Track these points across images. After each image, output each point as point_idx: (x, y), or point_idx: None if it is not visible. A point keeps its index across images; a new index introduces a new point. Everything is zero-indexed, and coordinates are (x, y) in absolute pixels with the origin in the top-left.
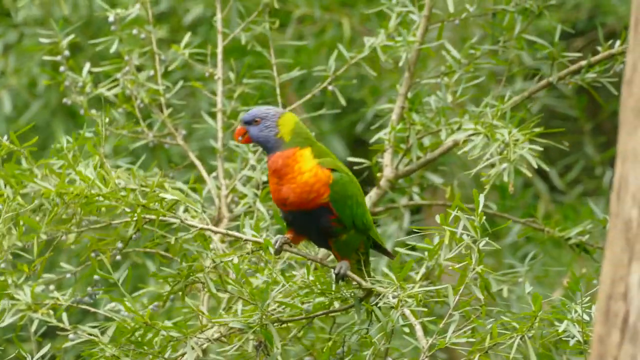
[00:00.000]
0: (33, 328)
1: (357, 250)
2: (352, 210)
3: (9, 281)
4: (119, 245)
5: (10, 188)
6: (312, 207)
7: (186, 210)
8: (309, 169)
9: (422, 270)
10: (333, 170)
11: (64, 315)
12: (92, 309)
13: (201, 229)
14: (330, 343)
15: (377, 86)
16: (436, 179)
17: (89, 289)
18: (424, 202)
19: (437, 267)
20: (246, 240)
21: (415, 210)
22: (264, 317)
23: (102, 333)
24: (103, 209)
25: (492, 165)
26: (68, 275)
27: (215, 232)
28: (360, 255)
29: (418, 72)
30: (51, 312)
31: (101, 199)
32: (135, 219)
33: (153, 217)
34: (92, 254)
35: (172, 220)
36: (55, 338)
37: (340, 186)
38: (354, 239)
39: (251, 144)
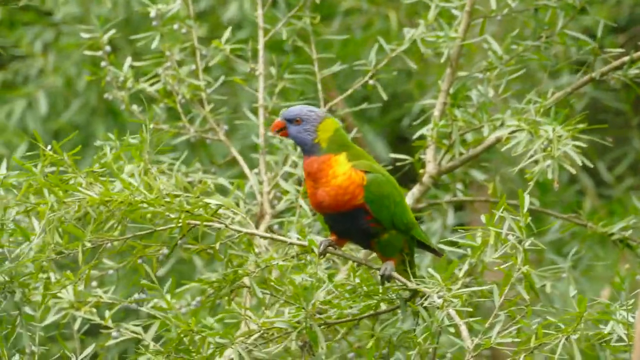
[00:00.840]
0: (76, 326)
1: (401, 250)
2: (389, 210)
3: (52, 279)
4: (165, 251)
5: (54, 197)
6: (347, 209)
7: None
8: (343, 172)
9: (465, 267)
10: (367, 172)
11: (107, 313)
12: (137, 307)
13: (246, 233)
14: (373, 340)
15: (422, 80)
16: (479, 176)
17: (136, 295)
18: (467, 199)
19: (480, 264)
20: (291, 243)
21: (459, 207)
22: (308, 317)
23: (145, 331)
24: (148, 215)
25: (536, 162)
26: (110, 272)
27: (261, 237)
28: (404, 255)
29: (461, 68)
30: (94, 309)
31: (145, 205)
32: (180, 224)
33: (197, 222)
34: (139, 261)
35: (217, 225)
36: (98, 336)
37: (375, 186)
38: (396, 239)
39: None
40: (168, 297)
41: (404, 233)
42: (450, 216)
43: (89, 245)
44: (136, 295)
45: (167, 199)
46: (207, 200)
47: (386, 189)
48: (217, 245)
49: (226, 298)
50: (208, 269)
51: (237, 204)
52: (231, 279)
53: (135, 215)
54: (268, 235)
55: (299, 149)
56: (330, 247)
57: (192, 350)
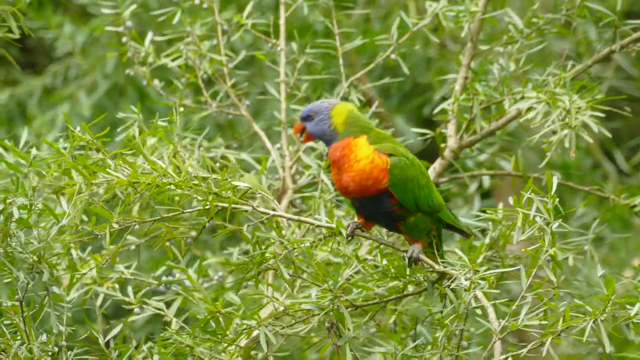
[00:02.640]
0: (98, 302)
1: (428, 232)
2: (413, 194)
3: (74, 255)
4: (192, 234)
5: (82, 179)
6: (372, 193)
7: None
8: (365, 156)
9: (486, 239)
10: (391, 155)
11: (130, 290)
12: (157, 282)
13: (273, 215)
14: (395, 315)
15: (443, 68)
16: (506, 165)
17: (163, 277)
18: (489, 173)
19: (502, 239)
20: (319, 226)
21: (485, 194)
22: (335, 298)
23: (168, 307)
24: (176, 198)
25: (554, 132)
26: (132, 247)
27: (288, 219)
28: (432, 237)
29: (481, 42)
30: (116, 285)
31: (173, 187)
32: (207, 207)
33: (225, 205)
34: (167, 243)
35: (244, 208)
36: (122, 313)
37: (398, 170)
38: (422, 221)
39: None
40: (194, 276)
41: (430, 215)
42: (477, 204)
43: (116, 227)
44: (164, 278)
45: (195, 182)
46: (235, 182)
47: (410, 172)
48: (245, 228)
49: (253, 280)
50: (229, 244)
51: (260, 181)
52: (258, 261)
53: (163, 197)
54: (296, 217)
55: None
56: (357, 230)
57: (219, 331)
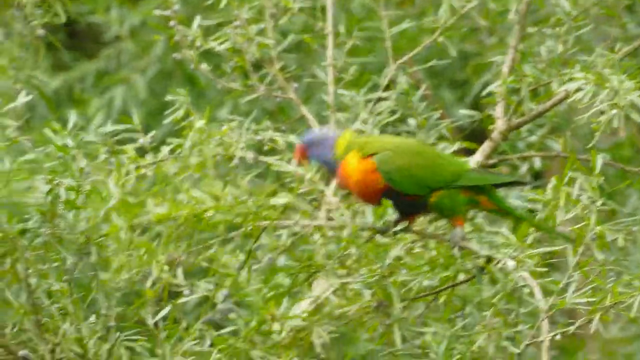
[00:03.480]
0: (148, 284)
1: (466, 204)
2: (414, 178)
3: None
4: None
5: (123, 220)
6: (378, 195)
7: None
8: (353, 168)
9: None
10: (374, 154)
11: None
12: (207, 265)
13: (316, 226)
14: (446, 294)
15: (480, 63)
16: (555, 146)
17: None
18: (538, 154)
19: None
20: (362, 229)
21: (536, 175)
22: (383, 278)
23: (217, 289)
24: (216, 223)
25: (602, 112)
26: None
27: (329, 228)
28: (475, 206)
29: (528, 25)
30: (166, 267)
31: (210, 213)
32: (250, 228)
33: (267, 222)
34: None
35: (287, 223)
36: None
37: (384, 164)
38: (448, 197)
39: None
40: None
41: (450, 188)
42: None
43: (162, 262)
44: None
45: (233, 204)
46: (273, 201)
47: (398, 161)
48: (288, 242)
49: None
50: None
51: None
52: (306, 265)
53: (203, 225)
54: (336, 224)
55: (369, 105)
56: (398, 227)
57: (272, 332)
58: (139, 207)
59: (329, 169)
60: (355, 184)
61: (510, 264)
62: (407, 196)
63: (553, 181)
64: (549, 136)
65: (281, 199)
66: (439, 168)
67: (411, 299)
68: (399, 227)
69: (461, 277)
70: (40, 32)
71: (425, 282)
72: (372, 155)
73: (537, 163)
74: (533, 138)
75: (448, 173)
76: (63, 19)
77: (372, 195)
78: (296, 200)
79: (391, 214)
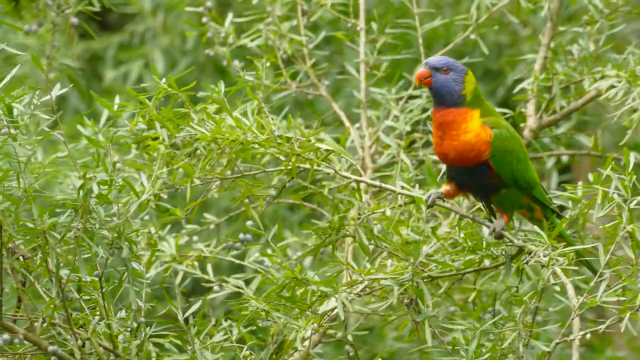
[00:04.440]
0: (178, 280)
1: (521, 207)
2: (511, 166)
3: (153, 232)
4: (272, 192)
5: (166, 131)
6: (472, 164)
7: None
8: (474, 129)
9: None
10: (493, 128)
11: (209, 268)
12: (238, 261)
13: (355, 180)
14: (474, 294)
15: (514, 55)
16: (584, 141)
17: (241, 235)
18: (568, 152)
19: (581, 217)
20: (399, 193)
21: (563, 169)
22: (415, 274)
23: (247, 285)
24: (258, 156)
25: (634, 110)
26: (212, 227)
27: (369, 184)
28: (527, 212)
29: (560, 23)
30: (195, 263)
31: (257, 146)
32: (289, 167)
33: (307, 166)
34: (246, 201)
35: (327, 170)
36: (203, 294)
37: (499, 142)
38: (515, 195)
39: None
40: (275, 256)
41: (524, 191)
42: (554, 179)
43: (197, 182)
44: (241, 236)
45: (279, 141)
46: (318, 144)
47: (510, 144)
48: (326, 191)
49: (331, 246)
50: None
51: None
52: (337, 226)
53: (246, 155)
54: (377, 183)
55: (401, 102)
56: (438, 200)
57: (295, 298)
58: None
59: (446, 100)
60: (464, 142)
61: (543, 259)
62: (492, 177)
63: (589, 178)
64: (576, 132)
65: (326, 145)
66: (529, 168)
67: (435, 277)
68: (440, 202)
69: (487, 263)
70: (74, 20)
71: (452, 265)
72: (491, 127)
73: (564, 157)
74: (560, 130)
75: (531, 176)
76: (97, 7)
77: (467, 160)
78: (340, 151)
79: (435, 191)
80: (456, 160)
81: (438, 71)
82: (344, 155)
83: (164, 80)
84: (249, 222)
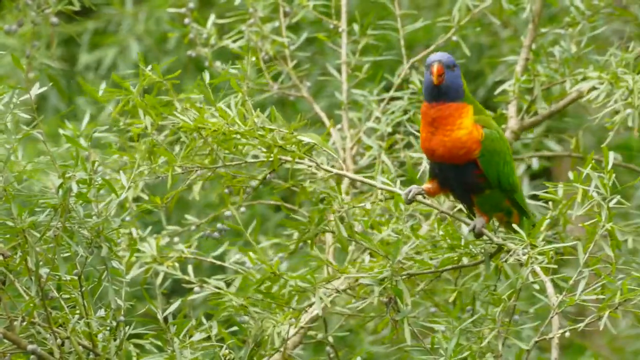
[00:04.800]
0: (158, 281)
1: (501, 210)
2: (498, 168)
3: (134, 233)
4: (252, 183)
5: (149, 119)
6: (460, 162)
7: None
8: (467, 126)
9: (547, 220)
10: (484, 127)
11: (190, 268)
12: (219, 262)
13: (336, 173)
14: (455, 294)
15: (495, 56)
16: (554, 146)
17: (219, 224)
18: (550, 154)
19: (562, 218)
20: (380, 188)
21: (542, 172)
22: (394, 273)
23: (228, 286)
24: (240, 147)
25: (616, 112)
26: (193, 228)
27: (351, 179)
28: (505, 216)
29: (542, 24)
30: (176, 264)
31: (239, 137)
32: (271, 159)
33: (289, 158)
34: (225, 190)
35: (308, 163)
36: (183, 295)
37: (489, 142)
38: (497, 197)
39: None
40: (252, 253)
41: (506, 193)
42: (525, 185)
43: (179, 170)
44: (219, 226)
45: (261, 132)
46: (300, 137)
47: (499, 146)
48: (307, 183)
49: (309, 241)
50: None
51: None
52: (316, 221)
53: (228, 146)
54: (358, 177)
55: (383, 103)
56: (419, 196)
57: (273, 294)
58: None
59: (449, 95)
60: (455, 139)
61: (522, 257)
62: (478, 177)
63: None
64: (547, 135)
65: (308, 138)
66: (513, 172)
67: (413, 275)
68: (420, 198)
69: (465, 261)
70: (54, 20)
71: (430, 263)
72: (482, 126)
73: (535, 164)
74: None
75: (514, 180)
76: (77, 6)
77: (456, 157)
78: (323, 144)
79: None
80: (444, 156)
81: (449, 68)
82: (326, 149)
83: (149, 67)
84: (228, 212)
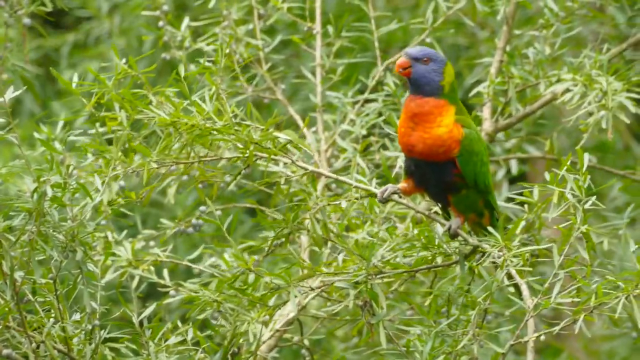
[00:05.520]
0: (134, 285)
1: (475, 210)
2: (475, 168)
3: (110, 237)
4: (227, 178)
5: (124, 113)
6: (438, 160)
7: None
8: (447, 124)
9: (523, 223)
10: (464, 127)
11: (165, 272)
12: (194, 265)
13: (312, 171)
14: (431, 297)
15: (472, 57)
16: (534, 151)
17: (193, 220)
18: (524, 156)
19: (537, 221)
20: (356, 186)
21: (520, 177)
22: (369, 276)
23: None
24: (215, 142)
25: (590, 114)
26: (169, 232)
27: (326, 176)
28: (477, 217)
29: (516, 26)
30: (152, 268)
31: (215, 132)
32: (246, 155)
33: (264, 155)
34: (200, 185)
35: (284, 160)
36: (159, 299)
37: (469, 142)
38: (473, 197)
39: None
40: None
41: (481, 194)
42: (505, 188)
43: (154, 165)
44: (194, 221)
45: (237, 128)
46: (276, 133)
47: (477, 146)
48: (282, 181)
49: (283, 240)
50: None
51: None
52: (291, 219)
53: (204, 141)
54: (334, 175)
55: (357, 105)
56: (394, 195)
57: (247, 293)
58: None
59: (425, 90)
60: (435, 136)
61: (498, 259)
62: (455, 177)
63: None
64: (527, 139)
65: (284, 135)
66: (489, 174)
67: (387, 274)
68: (395, 197)
69: (439, 261)
70: (26, 21)
71: (403, 260)
72: (462, 126)
73: (514, 168)
74: (511, 143)
75: (489, 181)
76: (49, 7)
77: (434, 155)
78: (298, 141)
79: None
80: (423, 153)
81: (418, 61)
82: (302, 146)
83: (123, 60)
84: (202, 208)
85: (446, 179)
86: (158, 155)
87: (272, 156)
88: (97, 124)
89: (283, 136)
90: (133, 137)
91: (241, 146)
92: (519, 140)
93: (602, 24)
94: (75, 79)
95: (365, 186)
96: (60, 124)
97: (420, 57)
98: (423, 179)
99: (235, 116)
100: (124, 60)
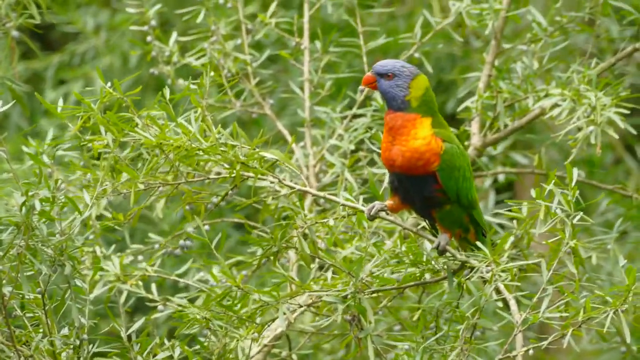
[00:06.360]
0: (122, 299)
1: (460, 226)
2: (457, 183)
3: (98, 252)
4: (214, 199)
5: (110, 136)
6: (418, 174)
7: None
8: (424, 136)
9: (511, 238)
10: (445, 141)
11: (153, 287)
12: (182, 280)
13: (299, 190)
14: (419, 312)
15: (467, 66)
16: (521, 159)
17: (181, 241)
18: (512, 171)
19: (525, 236)
20: (343, 204)
21: (507, 185)
22: (357, 290)
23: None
24: (202, 163)
25: (579, 129)
26: (156, 246)
27: (314, 195)
28: (463, 232)
29: (505, 40)
30: (140, 283)
31: (201, 153)
32: (233, 175)
33: (251, 175)
34: (187, 207)
35: (270, 179)
36: (147, 313)
37: (449, 156)
38: (457, 212)
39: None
40: (214, 270)
41: (465, 209)
42: (492, 199)
43: (141, 187)
44: (181, 242)
45: (224, 148)
46: (263, 153)
47: (459, 161)
48: (270, 199)
49: (271, 257)
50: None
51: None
52: (278, 237)
53: (190, 162)
54: (321, 193)
55: (346, 120)
56: (382, 212)
57: (236, 311)
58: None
59: (393, 105)
60: (412, 149)
61: (486, 274)
62: (437, 192)
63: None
64: (515, 150)
65: (271, 154)
66: (472, 188)
67: (374, 291)
68: (383, 214)
69: (428, 277)
70: (15, 34)
71: (393, 278)
72: (442, 139)
73: (501, 177)
74: (497, 150)
75: (473, 196)
76: (37, 19)
77: (414, 168)
78: (285, 160)
79: (379, 202)
80: (403, 167)
81: (382, 77)
82: (289, 165)
83: (109, 84)
84: (190, 229)
85: (428, 194)
86: (145, 176)
87: (259, 176)
88: (85, 147)
89: (270, 155)
90: (120, 159)
91: (228, 166)
92: (505, 149)
93: (597, 36)
94: (61, 102)
95: (353, 204)
96: (49, 139)
97: (384, 72)
98: (407, 195)
99: (222, 136)
100: (109, 84)
